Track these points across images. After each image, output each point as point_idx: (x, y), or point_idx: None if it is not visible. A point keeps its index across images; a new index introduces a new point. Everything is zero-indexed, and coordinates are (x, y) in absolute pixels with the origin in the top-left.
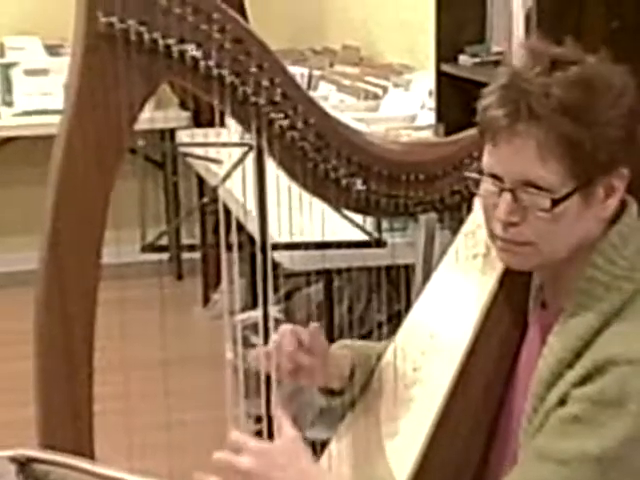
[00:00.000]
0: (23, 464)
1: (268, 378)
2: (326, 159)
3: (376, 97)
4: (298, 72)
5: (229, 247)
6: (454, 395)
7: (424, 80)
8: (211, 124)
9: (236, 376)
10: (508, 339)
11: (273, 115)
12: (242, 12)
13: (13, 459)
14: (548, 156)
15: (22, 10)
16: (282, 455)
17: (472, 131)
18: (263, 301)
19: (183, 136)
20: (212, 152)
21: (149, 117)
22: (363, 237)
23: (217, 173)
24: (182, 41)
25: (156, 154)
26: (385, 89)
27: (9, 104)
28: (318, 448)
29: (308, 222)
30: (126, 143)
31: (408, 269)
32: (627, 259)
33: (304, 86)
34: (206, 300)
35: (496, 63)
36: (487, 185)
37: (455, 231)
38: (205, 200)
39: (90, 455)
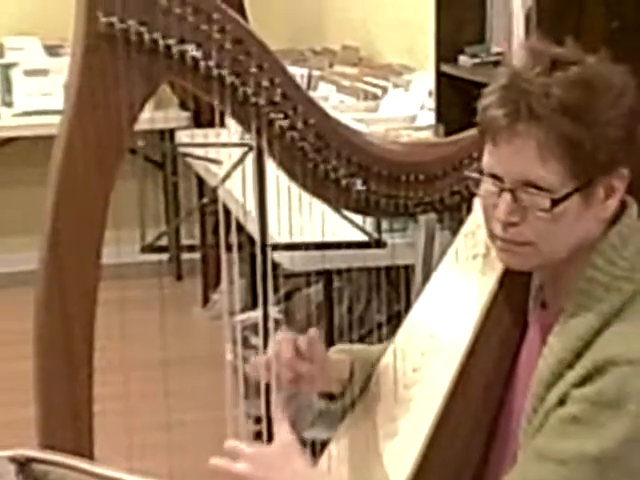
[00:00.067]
0: (23, 464)
1: None
2: (326, 159)
3: (376, 97)
4: (298, 72)
5: (229, 247)
6: (454, 395)
7: (424, 80)
8: (211, 124)
9: (236, 376)
10: (508, 339)
11: (273, 115)
12: (242, 12)
13: (13, 459)
14: (548, 156)
15: (22, 10)
16: (278, 458)
17: (472, 131)
18: (263, 301)
19: (183, 136)
20: (212, 152)
21: (149, 117)
22: (363, 238)
23: (217, 173)
24: (182, 41)
25: (156, 154)
26: (385, 89)
27: (9, 104)
28: (318, 448)
29: (308, 222)
30: (126, 143)
31: (408, 270)
32: (627, 260)
33: (304, 86)
34: (206, 300)
35: (496, 63)
36: (487, 185)
37: (455, 231)
38: (205, 200)
39: (90, 455)
